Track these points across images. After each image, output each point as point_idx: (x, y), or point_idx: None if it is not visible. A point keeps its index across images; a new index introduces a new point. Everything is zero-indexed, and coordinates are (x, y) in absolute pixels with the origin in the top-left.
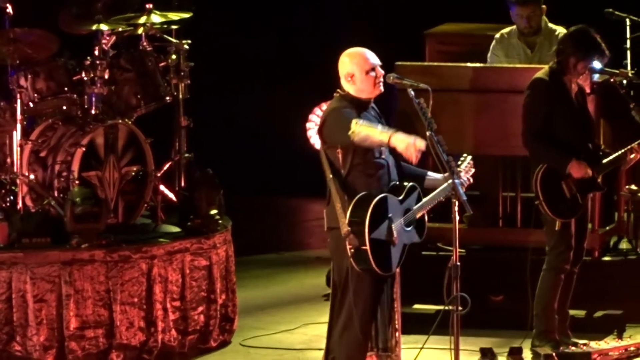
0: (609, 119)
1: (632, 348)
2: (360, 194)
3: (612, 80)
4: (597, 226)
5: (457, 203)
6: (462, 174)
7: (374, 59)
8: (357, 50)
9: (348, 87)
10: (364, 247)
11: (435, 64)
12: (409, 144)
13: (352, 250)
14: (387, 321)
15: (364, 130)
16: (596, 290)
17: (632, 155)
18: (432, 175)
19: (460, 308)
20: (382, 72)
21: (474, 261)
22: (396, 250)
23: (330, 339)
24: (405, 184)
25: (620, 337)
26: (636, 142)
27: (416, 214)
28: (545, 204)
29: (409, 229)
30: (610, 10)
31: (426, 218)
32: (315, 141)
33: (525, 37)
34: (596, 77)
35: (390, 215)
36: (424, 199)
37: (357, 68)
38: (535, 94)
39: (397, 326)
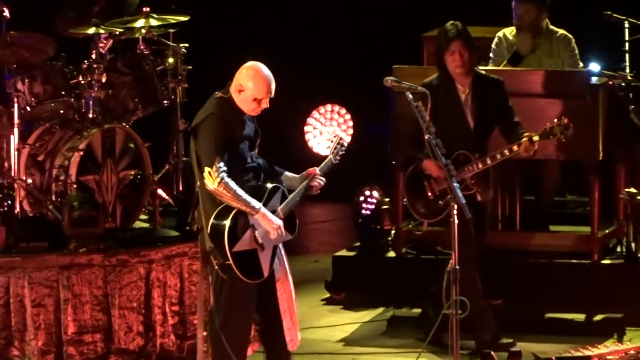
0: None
1: (632, 352)
2: (217, 211)
3: (610, 82)
4: (596, 229)
5: (455, 207)
6: (332, 157)
7: (269, 90)
8: (261, 73)
9: (235, 95)
10: (227, 262)
11: (433, 67)
12: (271, 229)
13: (217, 264)
14: (275, 323)
15: (227, 198)
16: (596, 294)
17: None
18: (288, 174)
19: (459, 312)
20: (267, 105)
21: None
22: (265, 254)
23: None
24: (267, 186)
25: (620, 340)
26: (500, 151)
27: (282, 215)
28: (409, 203)
29: None
30: (609, 12)
31: (295, 214)
32: (314, 145)
33: (519, 34)
34: (595, 79)
35: (252, 223)
36: (288, 197)
37: (252, 88)
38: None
39: (290, 324)
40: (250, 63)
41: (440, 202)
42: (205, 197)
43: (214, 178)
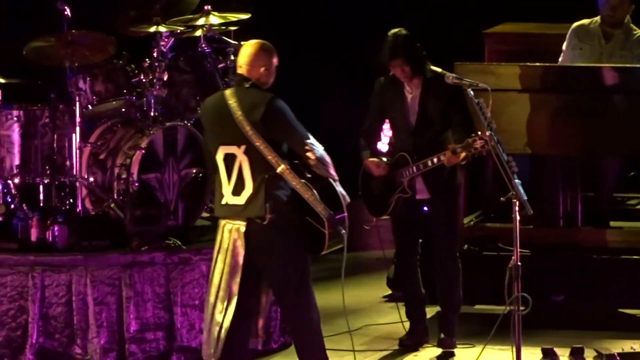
0: None
1: None
2: (315, 177)
3: None
4: None
5: (517, 203)
6: None
7: None
8: (271, 45)
9: (266, 78)
10: (346, 224)
11: (495, 63)
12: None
13: (333, 232)
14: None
15: (328, 166)
16: None
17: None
18: None
19: (521, 308)
20: None
21: (534, 261)
22: None
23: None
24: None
25: None
26: (443, 153)
27: None
28: (364, 200)
29: None
30: None
31: None
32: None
33: (605, 26)
34: None
35: None
36: None
37: (275, 60)
38: (372, 93)
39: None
40: (252, 43)
41: (386, 200)
42: (304, 180)
43: (313, 150)
